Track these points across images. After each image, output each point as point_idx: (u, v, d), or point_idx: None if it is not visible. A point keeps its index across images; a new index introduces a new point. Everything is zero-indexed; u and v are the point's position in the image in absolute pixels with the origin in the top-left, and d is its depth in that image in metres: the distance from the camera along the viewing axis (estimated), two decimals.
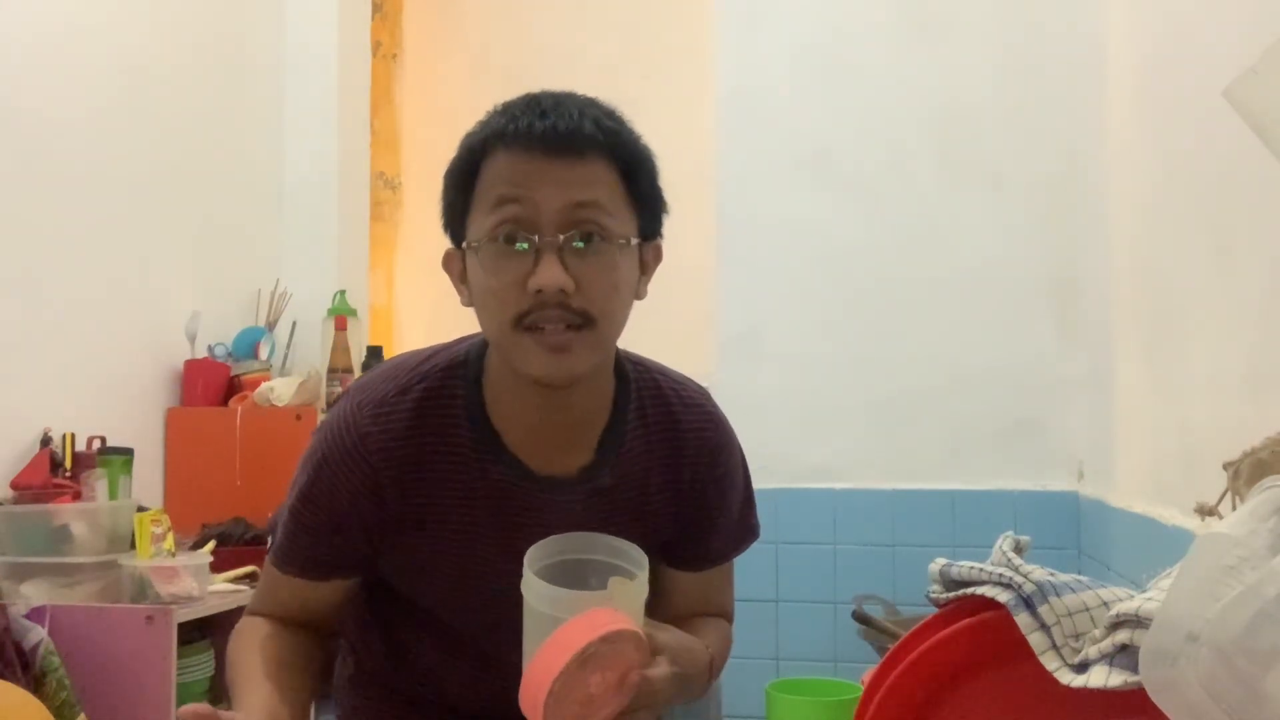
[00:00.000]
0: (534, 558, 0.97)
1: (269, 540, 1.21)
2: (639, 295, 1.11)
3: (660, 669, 0.97)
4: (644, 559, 0.99)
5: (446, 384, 1.12)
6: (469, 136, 1.08)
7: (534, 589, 0.96)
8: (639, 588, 0.97)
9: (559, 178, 1.02)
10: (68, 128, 2.42)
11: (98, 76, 2.51)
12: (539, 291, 1.01)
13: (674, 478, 1.19)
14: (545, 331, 1.02)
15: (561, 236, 1.02)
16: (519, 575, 0.97)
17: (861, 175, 2.69)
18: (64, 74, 2.40)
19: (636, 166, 1.07)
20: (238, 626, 1.17)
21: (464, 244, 1.07)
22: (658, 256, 1.13)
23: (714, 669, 1.16)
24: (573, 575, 0.99)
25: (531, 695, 0.91)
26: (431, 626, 1.20)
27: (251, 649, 1.11)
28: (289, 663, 1.11)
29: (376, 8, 3.81)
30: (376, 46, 3.83)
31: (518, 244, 1.02)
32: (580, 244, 1.03)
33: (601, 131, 1.05)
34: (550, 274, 1.01)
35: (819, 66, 2.73)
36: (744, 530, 1.29)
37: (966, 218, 2.64)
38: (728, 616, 1.30)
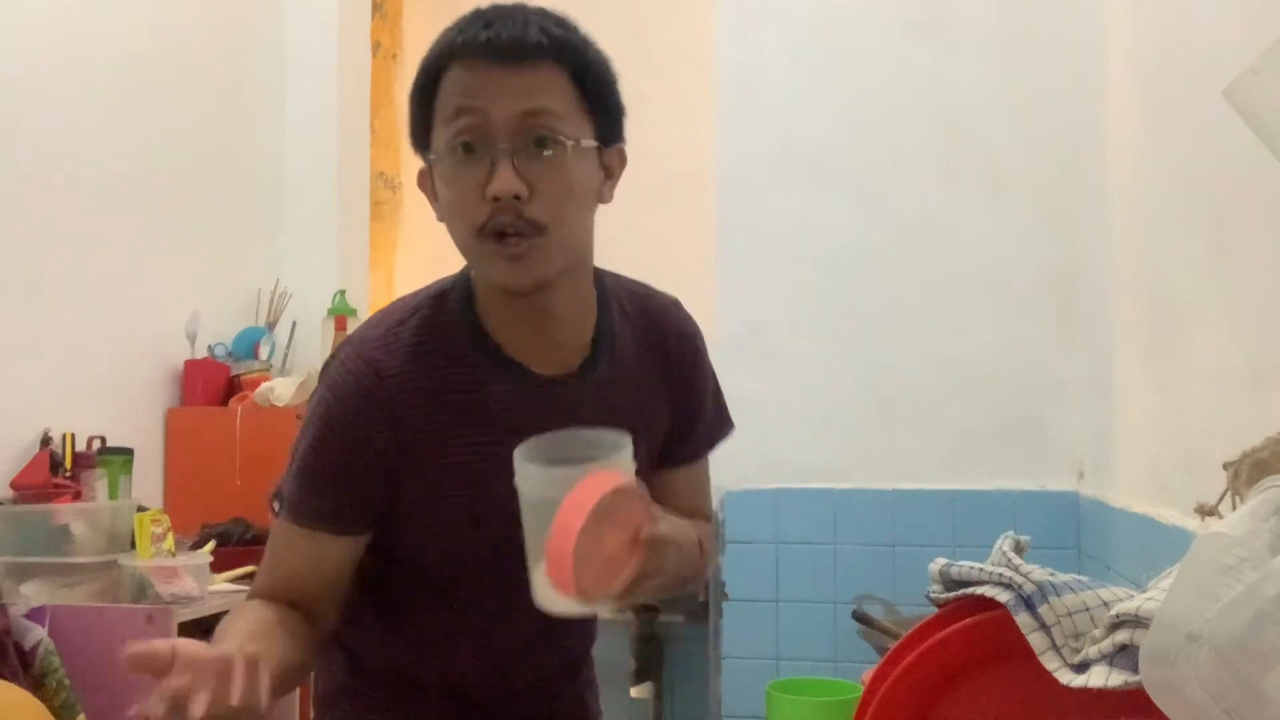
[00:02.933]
0: (522, 457, 0.99)
1: (274, 508, 1.15)
2: (603, 199, 1.13)
3: (666, 524, 0.99)
4: (624, 437, 1.00)
5: (440, 307, 1.14)
6: (426, 55, 1.09)
7: (531, 476, 0.98)
8: (626, 459, 1.00)
9: (508, 86, 1.04)
10: (68, 128, 2.42)
11: (98, 77, 2.51)
12: (495, 199, 1.03)
13: (664, 370, 1.24)
14: (506, 241, 1.04)
15: (514, 143, 1.04)
16: None
17: (861, 175, 2.69)
18: (64, 74, 2.40)
19: (585, 71, 1.09)
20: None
21: (429, 158, 1.09)
22: (622, 161, 1.15)
23: (704, 552, 1.18)
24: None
25: (557, 563, 0.93)
26: (438, 583, 1.18)
27: (235, 617, 1.11)
28: (276, 621, 1.09)
29: (376, 8, 3.81)
30: (376, 46, 3.83)
31: (473, 153, 1.04)
32: (533, 149, 1.04)
33: (549, 38, 1.06)
34: (503, 180, 1.02)
35: (819, 66, 2.73)
36: (722, 419, 1.32)
37: (966, 218, 2.64)
38: (709, 519, 1.35)
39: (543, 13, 1.09)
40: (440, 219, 1.11)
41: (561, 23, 1.09)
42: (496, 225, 1.04)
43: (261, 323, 3.00)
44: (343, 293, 3.03)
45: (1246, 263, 1.46)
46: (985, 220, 2.63)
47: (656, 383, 1.23)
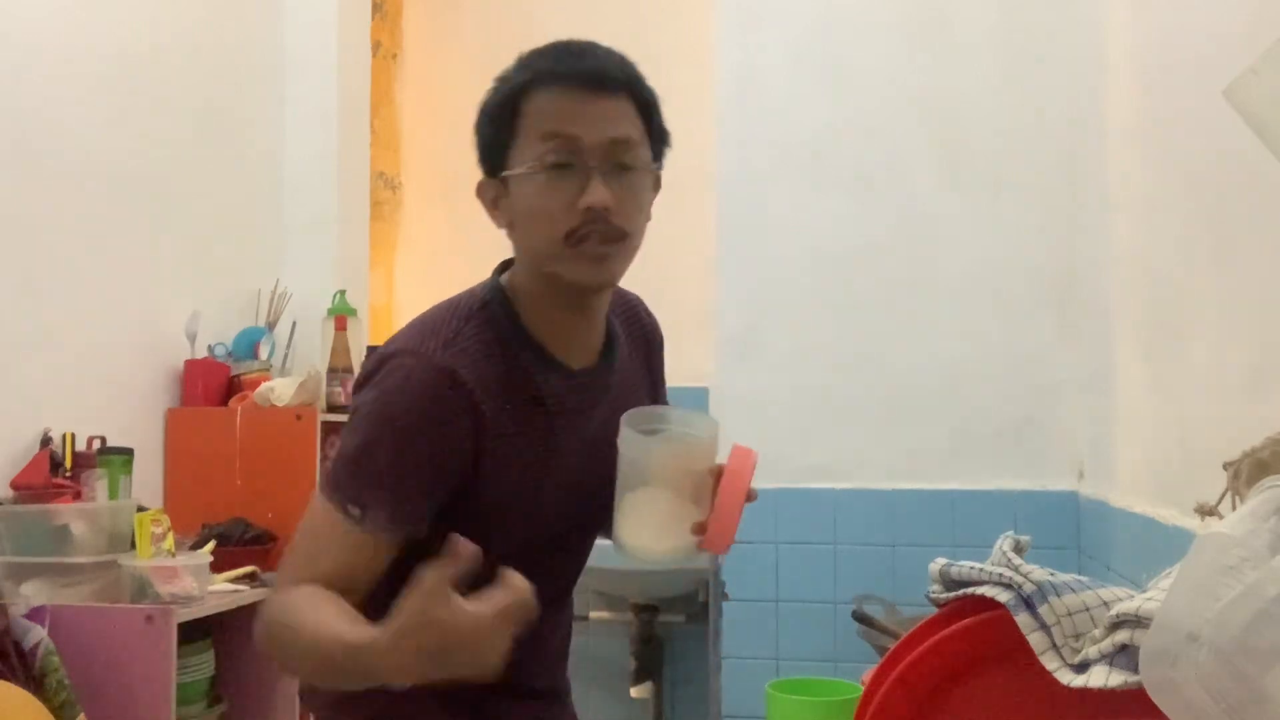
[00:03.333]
0: (632, 425, 1.20)
1: (335, 504, 1.17)
2: (649, 218, 1.28)
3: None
4: (701, 414, 1.29)
5: (490, 315, 1.26)
6: (506, 80, 1.24)
7: (639, 444, 1.21)
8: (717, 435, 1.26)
9: (598, 114, 1.20)
10: (67, 127, 2.42)
11: (97, 76, 2.51)
12: (588, 209, 1.18)
13: (645, 357, 1.43)
14: (588, 244, 1.19)
15: (602, 164, 1.19)
16: (586, 469, 1.24)
17: (861, 175, 2.69)
18: (63, 74, 2.40)
19: (650, 106, 1.26)
20: (268, 603, 1.17)
21: (503, 174, 1.23)
22: (659, 184, 1.30)
23: None
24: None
25: (724, 520, 1.18)
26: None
27: (302, 598, 1.13)
28: (342, 603, 1.13)
29: (376, 8, 3.81)
30: (376, 46, 3.83)
31: (566, 169, 1.19)
32: (618, 170, 1.20)
33: (624, 74, 1.24)
34: (598, 194, 1.18)
35: (819, 66, 2.73)
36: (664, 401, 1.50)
37: (966, 218, 2.64)
38: None
39: (612, 50, 1.28)
40: (503, 226, 1.25)
41: (628, 61, 1.28)
42: (586, 232, 1.18)
43: (261, 323, 3.00)
44: (343, 293, 3.03)
45: (1246, 263, 1.46)
46: (985, 220, 2.63)
47: (641, 368, 1.42)
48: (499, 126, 1.23)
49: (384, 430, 1.18)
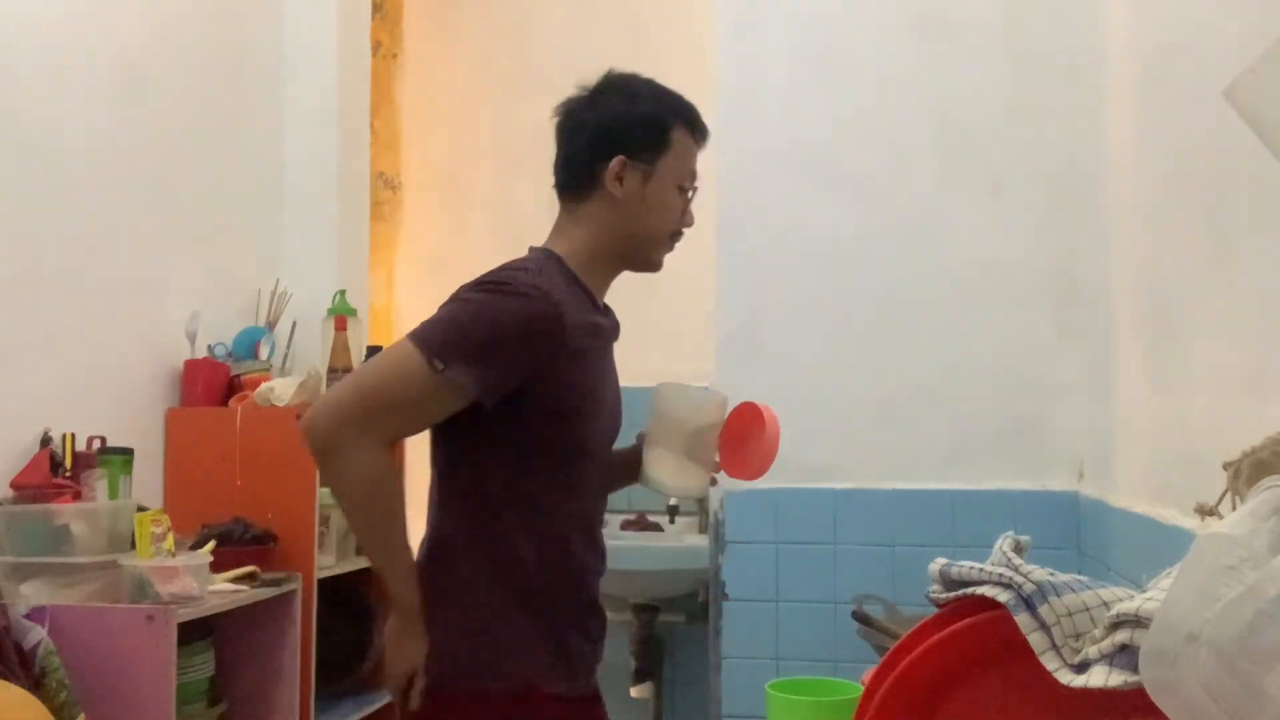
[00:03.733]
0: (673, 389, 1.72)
1: (436, 366, 1.46)
2: None
3: None
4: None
5: (557, 270, 1.61)
6: (670, 106, 1.70)
7: (677, 394, 1.71)
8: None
9: None
10: (67, 127, 2.42)
11: (97, 76, 2.51)
12: (687, 224, 1.71)
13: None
14: (674, 244, 1.71)
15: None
16: (616, 388, 1.71)
17: (861, 175, 2.69)
18: (63, 74, 2.40)
19: None
20: (366, 452, 1.47)
21: (644, 167, 1.64)
22: None
23: None
24: None
25: (763, 456, 1.66)
26: (570, 473, 1.61)
27: (398, 489, 1.55)
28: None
29: (376, 8, 3.81)
30: (376, 46, 3.83)
31: (686, 195, 1.70)
32: None
33: None
34: (693, 217, 1.74)
35: (819, 66, 2.73)
36: None
37: (966, 218, 2.64)
38: None
39: None
40: (622, 198, 1.64)
41: None
42: (679, 236, 1.71)
43: (261, 323, 2.99)
44: (343, 293, 3.02)
45: (1246, 263, 1.46)
46: (985, 220, 2.63)
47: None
48: (655, 134, 1.65)
49: (486, 313, 1.51)
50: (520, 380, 1.51)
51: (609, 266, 1.68)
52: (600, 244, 1.65)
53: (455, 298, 1.55)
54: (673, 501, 3.62)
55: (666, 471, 1.66)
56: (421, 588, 1.54)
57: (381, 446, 1.49)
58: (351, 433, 1.45)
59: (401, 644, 1.52)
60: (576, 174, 1.66)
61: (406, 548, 1.53)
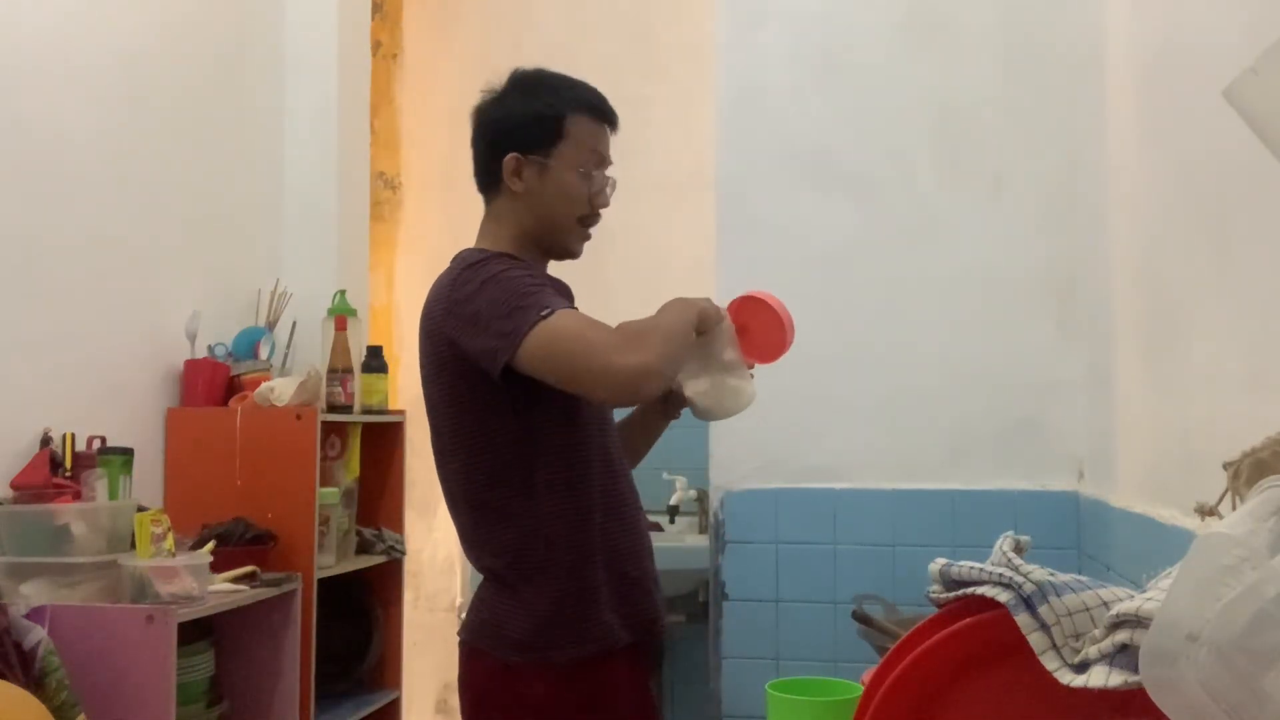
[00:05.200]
0: None
1: (539, 320, 1.55)
2: None
3: None
4: None
5: (480, 252, 1.72)
6: (559, 98, 1.74)
7: (717, 340, 1.74)
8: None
9: (610, 146, 1.79)
10: (67, 127, 2.42)
11: (97, 76, 2.51)
12: (600, 205, 1.75)
13: None
14: (587, 228, 1.77)
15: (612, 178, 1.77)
16: None
17: (861, 175, 2.69)
18: (63, 74, 2.40)
19: None
20: (634, 328, 1.60)
21: (536, 158, 1.71)
22: None
23: None
24: None
25: (780, 341, 1.79)
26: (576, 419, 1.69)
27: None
28: None
29: (376, 8, 3.81)
30: (376, 46, 3.83)
31: (591, 178, 1.73)
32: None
33: None
34: (609, 198, 1.76)
35: (819, 67, 2.73)
36: None
37: (966, 218, 2.64)
38: None
39: None
40: (520, 191, 1.72)
41: None
42: (591, 219, 1.75)
43: (261, 323, 2.99)
44: (343, 293, 3.02)
45: (1246, 263, 1.46)
46: (985, 220, 2.63)
47: None
48: (544, 125, 1.71)
49: (508, 281, 1.59)
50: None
51: (531, 258, 1.74)
52: (515, 237, 1.74)
53: (463, 302, 1.63)
54: (673, 501, 3.62)
55: (710, 395, 1.74)
56: (497, 602, 1.70)
57: (637, 342, 1.55)
58: (637, 356, 1.52)
59: (697, 302, 1.72)
60: (482, 174, 1.79)
61: (672, 318, 1.64)
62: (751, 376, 1.80)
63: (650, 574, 1.78)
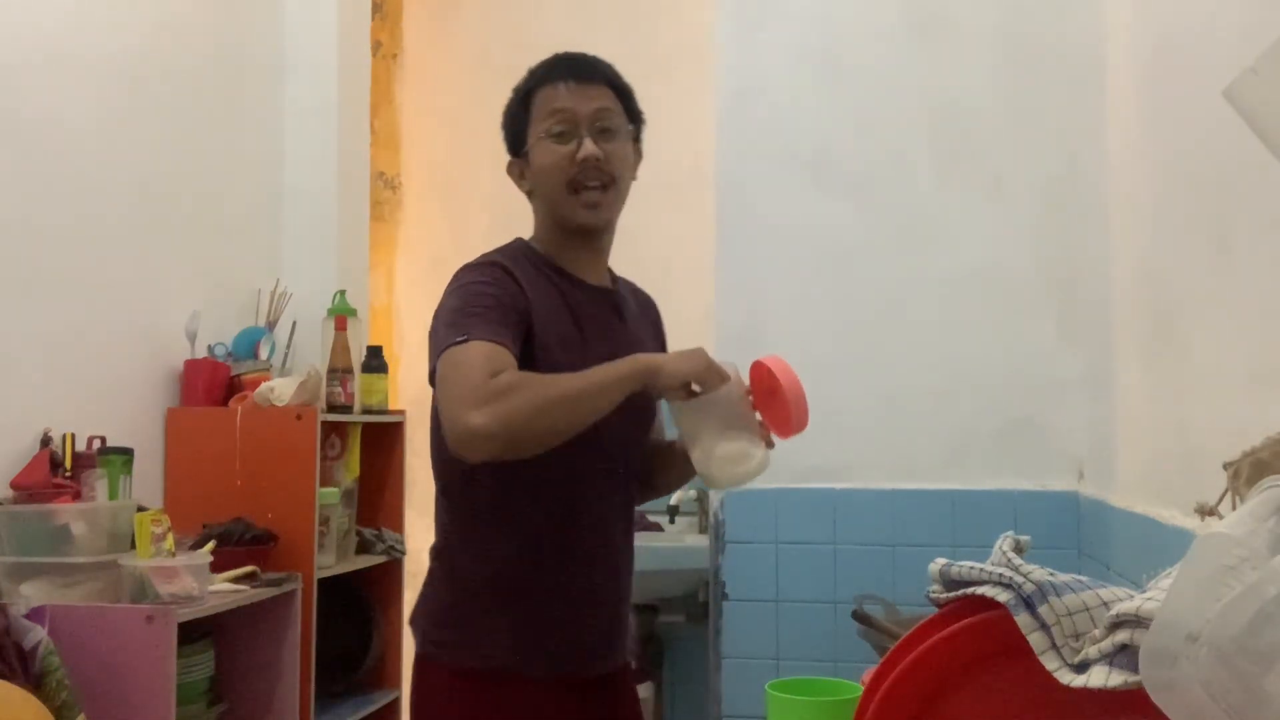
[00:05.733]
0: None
1: (456, 342, 1.48)
2: (633, 176, 1.71)
3: None
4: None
5: (518, 248, 1.68)
6: (519, 88, 1.68)
7: (683, 409, 1.53)
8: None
9: (584, 94, 1.64)
10: (67, 127, 2.42)
11: (98, 77, 2.51)
12: (584, 160, 1.60)
13: (648, 317, 1.84)
14: (585, 193, 1.62)
15: (591, 128, 1.62)
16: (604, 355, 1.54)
17: (861, 175, 2.69)
18: (63, 74, 2.40)
19: (621, 90, 1.70)
20: (511, 379, 1.44)
21: (523, 150, 1.66)
22: (640, 154, 1.74)
23: None
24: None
25: (799, 415, 1.54)
26: (544, 473, 1.57)
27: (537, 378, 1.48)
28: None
29: (376, 8, 3.81)
30: (376, 46, 3.83)
31: (565, 135, 1.61)
32: (603, 131, 1.63)
33: (604, 69, 1.69)
34: (589, 148, 1.61)
35: (819, 67, 2.73)
36: None
37: (966, 218, 2.64)
38: None
39: (594, 56, 1.70)
40: (529, 189, 1.67)
41: (608, 63, 1.70)
42: (583, 178, 1.60)
43: (261, 323, 2.99)
44: (343, 293, 3.02)
45: (1246, 263, 1.46)
46: (985, 220, 2.63)
47: (644, 322, 1.81)
48: (516, 118, 1.67)
49: (466, 295, 1.54)
50: (522, 333, 1.54)
51: (566, 243, 1.68)
52: (544, 231, 1.70)
53: (439, 306, 1.60)
54: (673, 501, 3.62)
55: (704, 462, 1.54)
56: (427, 582, 1.69)
57: (493, 398, 1.41)
58: (478, 414, 1.40)
59: (682, 354, 1.53)
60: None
61: (576, 374, 1.48)
62: (765, 443, 1.58)
63: (591, 626, 1.67)
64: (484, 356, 1.45)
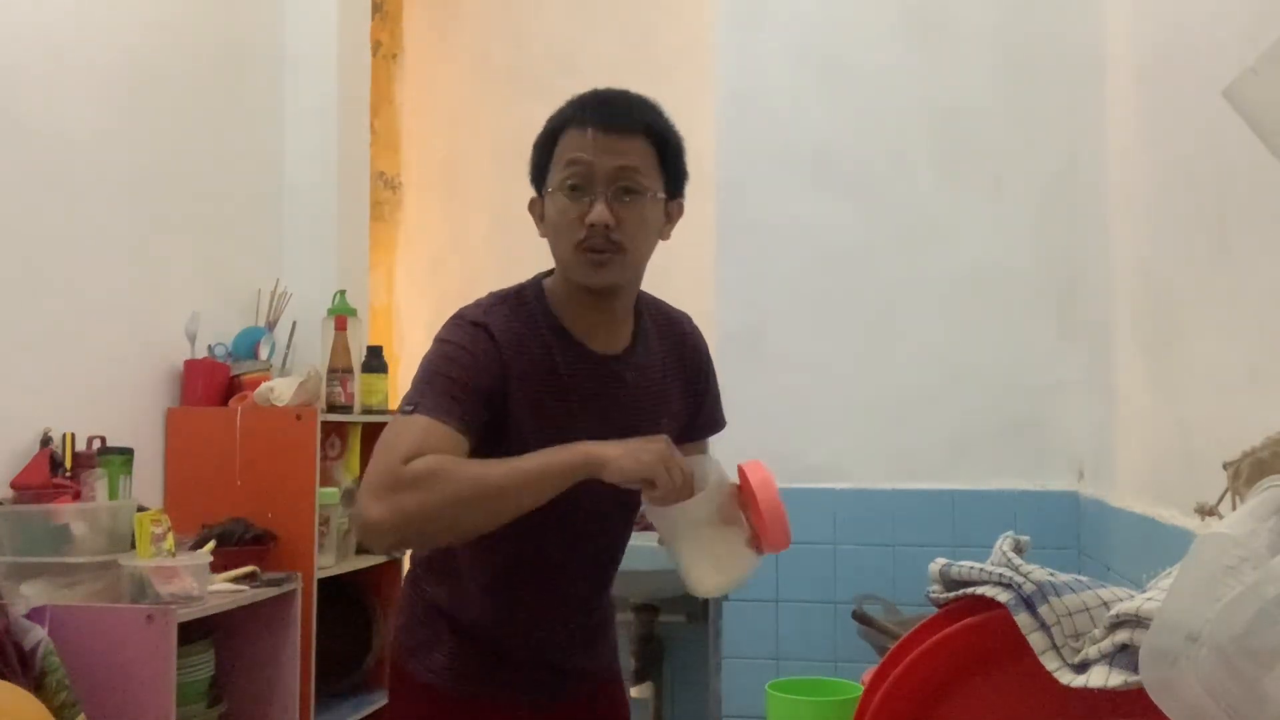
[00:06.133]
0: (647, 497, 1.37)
1: (404, 410, 1.41)
2: (663, 237, 1.55)
3: None
4: (699, 459, 1.46)
5: (523, 299, 1.53)
6: (552, 119, 1.51)
7: (661, 514, 1.37)
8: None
9: (608, 146, 1.45)
10: (68, 127, 2.42)
11: (98, 77, 2.51)
12: (591, 225, 1.44)
13: (678, 360, 1.65)
14: (594, 254, 1.45)
15: (608, 189, 1.44)
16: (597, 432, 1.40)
17: (861, 175, 2.69)
18: (64, 74, 2.41)
19: (665, 144, 1.51)
20: (423, 468, 1.32)
21: (544, 192, 1.50)
22: (680, 211, 1.57)
23: None
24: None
25: (776, 524, 1.36)
26: (522, 532, 1.43)
27: (464, 463, 1.37)
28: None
29: (376, 8, 3.81)
30: (376, 46, 3.83)
31: (579, 191, 1.45)
32: (622, 194, 1.45)
33: (642, 118, 1.49)
34: (598, 213, 1.44)
35: (819, 67, 2.73)
36: (718, 411, 1.75)
37: (966, 218, 2.64)
38: None
39: (639, 97, 1.54)
40: (543, 235, 1.52)
41: (652, 106, 1.53)
42: (590, 244, 1.45)
43: (261, 323, 2.99)
44: (343, 293, 3.02)
45: (1246, 263, 1.46)
46: (985, 220, 2.63)
47: (675, 371, 1.64)
48: (541, 153, 1.51)
49: (434, 358, 1.44)
50: (487, 407, 1.43)
51: (575, 299, 1.52)
52: (558, 282, 1.54)
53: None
54: None
55: (684, 567, 1.40)
56: (403, 596, 1.68)
57: (399, 487, 1.32)
58: (376, 505, 1.32)
59: (638, 446, 1.35)
60: None
61: (506, 462, 1.35)
62: (753, 549, 1.45)
63: (545, 663, 1.62)
64: (415, 437, 1.35)
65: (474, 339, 1.45)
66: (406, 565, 1.73)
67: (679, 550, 1.39)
